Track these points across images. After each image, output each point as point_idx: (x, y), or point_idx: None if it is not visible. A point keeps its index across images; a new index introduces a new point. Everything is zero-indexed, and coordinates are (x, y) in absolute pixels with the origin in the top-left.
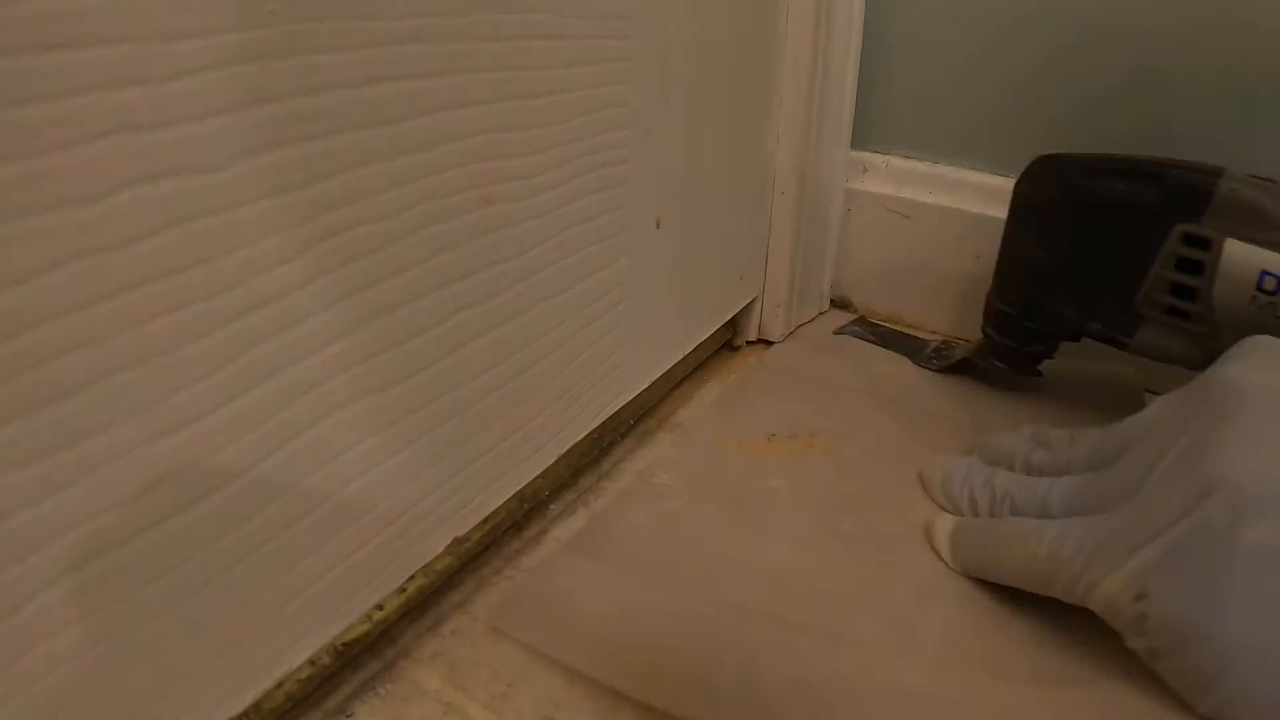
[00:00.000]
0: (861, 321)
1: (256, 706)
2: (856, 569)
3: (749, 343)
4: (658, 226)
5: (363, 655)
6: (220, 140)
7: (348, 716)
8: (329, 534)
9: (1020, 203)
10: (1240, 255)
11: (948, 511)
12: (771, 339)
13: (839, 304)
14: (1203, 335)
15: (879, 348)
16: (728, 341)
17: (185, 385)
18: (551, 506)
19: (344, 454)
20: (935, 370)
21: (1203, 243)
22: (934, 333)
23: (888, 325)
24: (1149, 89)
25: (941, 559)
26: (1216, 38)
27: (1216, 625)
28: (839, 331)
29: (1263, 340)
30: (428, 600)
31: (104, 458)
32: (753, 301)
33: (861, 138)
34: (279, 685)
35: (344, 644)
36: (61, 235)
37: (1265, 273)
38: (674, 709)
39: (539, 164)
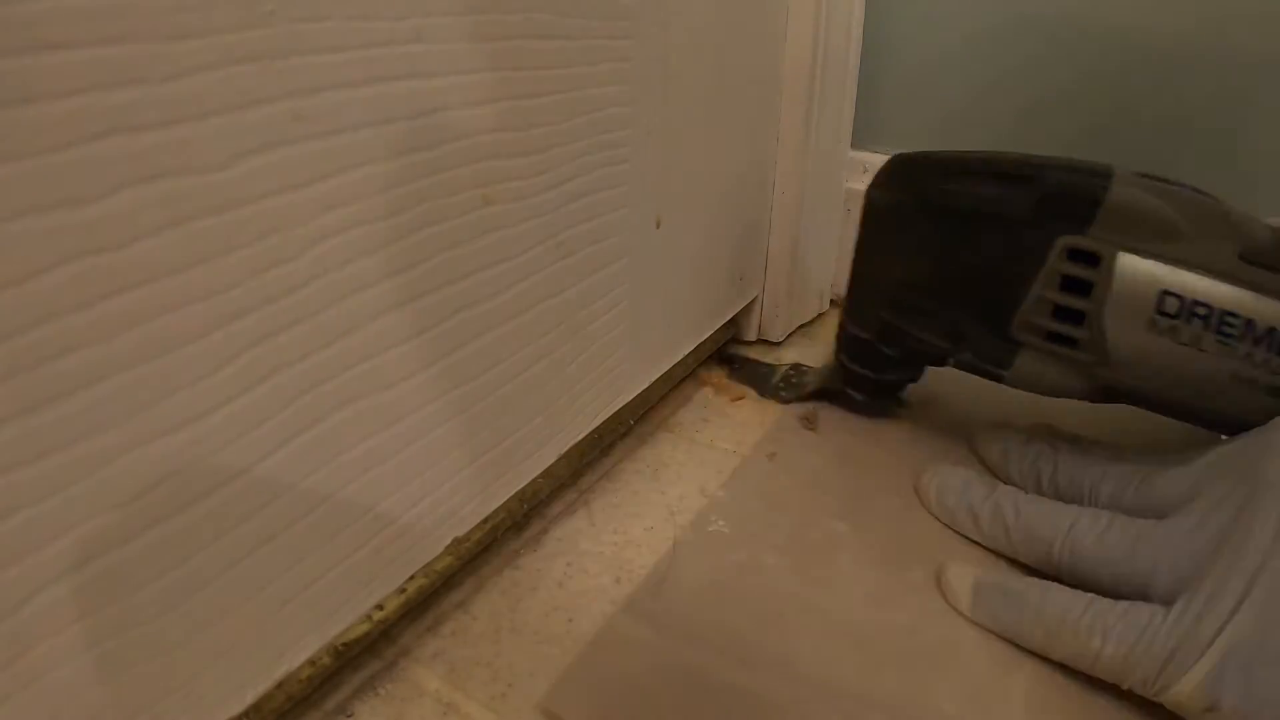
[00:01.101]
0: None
1: (256, 707)
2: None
3: (749, 343)
4: (658, 226)
5: (363, 655)
6: (220, 140)
7: (348, 716)
8: (329, 534)
9: (871, 211)
10: (1137, 272)
11: (943, 522)
12: (771, 339)
13: (839, 304)
14: (1090, 364)
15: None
16: (723, 345)
17: (185, 385)
18: (551, 506)
19: (344, 454)
20: (784, 402)
21: (1091, 258)
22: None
23: (737, 352)
24: (1166, 95)
25: (957, 610)
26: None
27: None
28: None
29: None
30: (428, 600)
31: (104, 458)
32: (753, 302)
33: (861, 138)
34: (279, 685)
35: (344, 644)
36: (61, 235)
37: (1166, 292)
38: None
39: (539, 164)
